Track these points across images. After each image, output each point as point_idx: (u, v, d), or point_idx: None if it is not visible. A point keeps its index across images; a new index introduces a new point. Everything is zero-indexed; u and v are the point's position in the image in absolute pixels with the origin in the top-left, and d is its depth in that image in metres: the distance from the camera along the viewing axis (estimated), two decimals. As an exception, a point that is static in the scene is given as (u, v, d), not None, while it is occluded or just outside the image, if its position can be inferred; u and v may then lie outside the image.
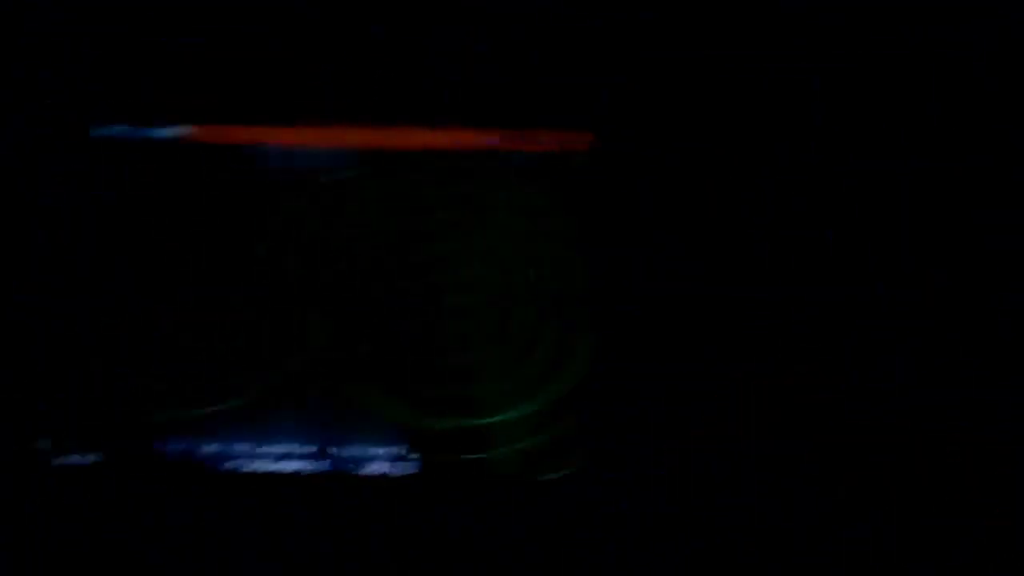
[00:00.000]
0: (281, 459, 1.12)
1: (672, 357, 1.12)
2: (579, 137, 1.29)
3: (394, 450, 1.12)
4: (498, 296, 1.21)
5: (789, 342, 1.11)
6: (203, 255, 1.23)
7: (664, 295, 1.16)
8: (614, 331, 1.15)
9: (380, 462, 1.12)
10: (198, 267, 1.23)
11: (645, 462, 1.07)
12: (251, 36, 1.33)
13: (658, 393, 1.10)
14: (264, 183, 1.28)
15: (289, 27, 1.33)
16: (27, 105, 1.30)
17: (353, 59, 1.33)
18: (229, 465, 1.11)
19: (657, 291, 1.16)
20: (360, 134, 1.31)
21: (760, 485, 1.04)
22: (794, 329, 1.12)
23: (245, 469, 1.11)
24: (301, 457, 1.12)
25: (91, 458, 1.12)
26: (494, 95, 1.31)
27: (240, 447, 1.12)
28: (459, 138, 1.30)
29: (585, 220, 1.23)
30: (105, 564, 1.05)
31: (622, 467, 1.07)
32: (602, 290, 1.18)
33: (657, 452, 1.07)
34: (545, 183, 1.27)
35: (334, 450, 1.12)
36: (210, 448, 1.12)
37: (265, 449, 1.12)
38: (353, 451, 1.12)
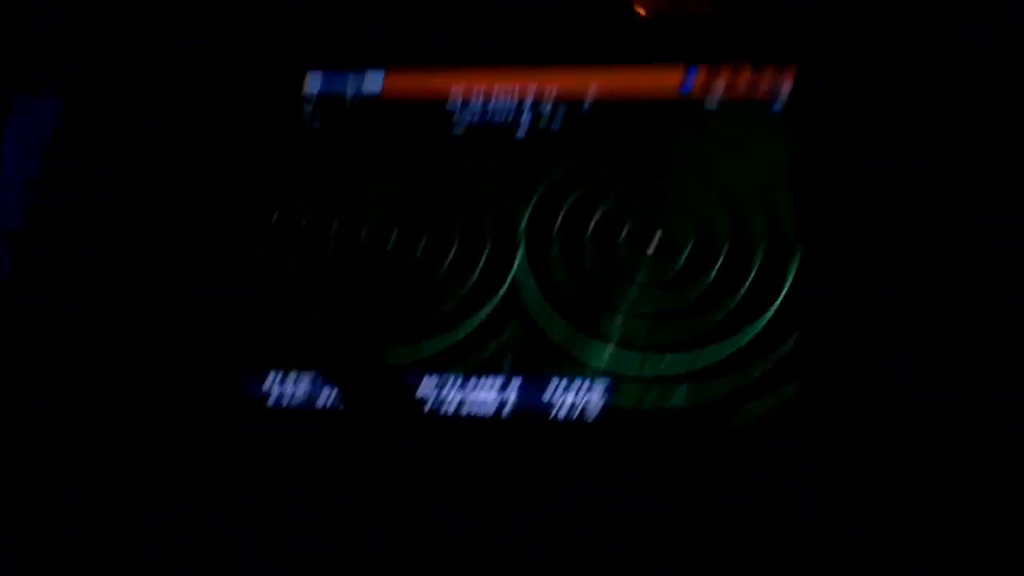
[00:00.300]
0: (485, 399, 1.16)
1: (882, 304, 1.10)
2: (782, 72, 1.27)
3: (596, 393, 1.14)
4: (701, 241, 1.22)
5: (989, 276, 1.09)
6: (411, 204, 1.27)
7: (876, 240, 1.14)
8: (822, 276, 1.14)
9: (581, 404, 1.14)
10: (408, 212, 1.27)
11: (855, 404, 1.05)
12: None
13: (866, 336, 1.09)
14: (457, 137, 1.31)
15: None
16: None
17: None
18: (440, 405, 1.15)
19: (867, 237, 1.14)
20: (554, 78, 1.32)
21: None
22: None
23: (454, 411, 1.15)
24: (501, 396, 1.15)
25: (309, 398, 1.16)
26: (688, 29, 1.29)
27: (450, 385, 1.16)
28: (653, 80, 1.30)
29: (789, 162, 1.22)
30: (322, 502, 1.08)
31: (828, 411, 1.06)
32: (810, 233, 1.17)
33: (864, 396, 1.05)
34: (746, 123, 1.26)
35: (536, 390, 1.15)
36: (428, 385, 1.16)
37: (472, 388, 1.16)
38: (555, 392, 1.14)
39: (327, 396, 1.16)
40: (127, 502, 1.08)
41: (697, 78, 1.30)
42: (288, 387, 1.17)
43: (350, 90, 1.36)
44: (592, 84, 1.32)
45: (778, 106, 1.27)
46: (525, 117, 1.31)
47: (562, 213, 1.25)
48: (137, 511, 1.07)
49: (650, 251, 1.22)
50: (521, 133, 1.30)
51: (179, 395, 1.16)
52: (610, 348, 1.16)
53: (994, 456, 1.03)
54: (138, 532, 1.06)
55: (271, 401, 1.16)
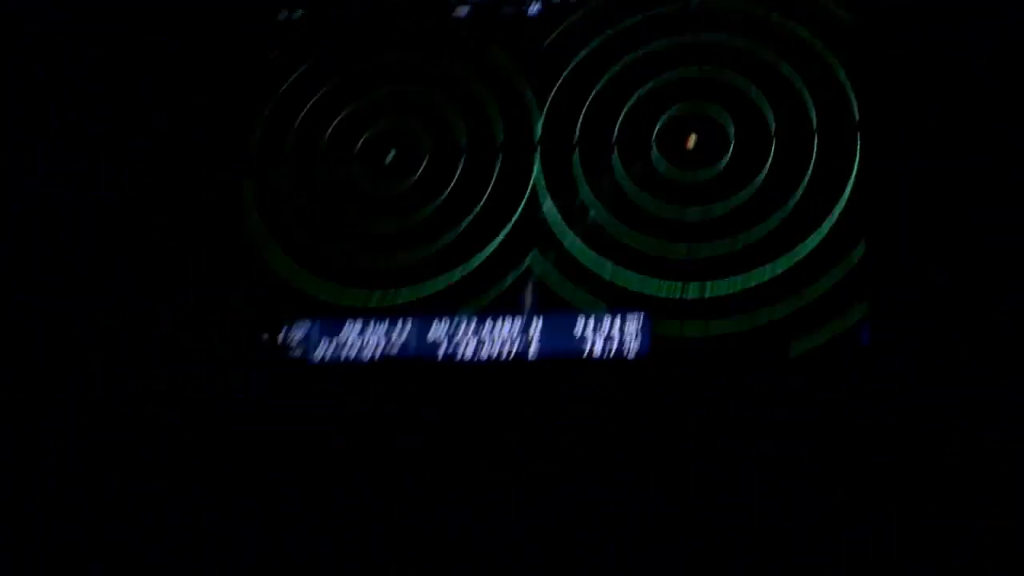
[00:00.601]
0: (506, 340, 1.02)
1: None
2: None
3: (631, 327, 1.00)
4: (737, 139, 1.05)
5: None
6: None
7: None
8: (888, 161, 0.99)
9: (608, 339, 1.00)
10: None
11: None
12: None
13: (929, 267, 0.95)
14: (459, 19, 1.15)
15: None
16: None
17: None
18: (452, 350, 1.02)
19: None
20: None
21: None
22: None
23: (468, 356, 1.02)
24: (524, 337, 1.02)
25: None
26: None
27: (463, 328, 1.03)
28: None
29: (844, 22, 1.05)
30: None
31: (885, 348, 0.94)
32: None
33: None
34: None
35: (553, 324, 1.01)
36: (439, 330, 1.03)
37: (488, 331, 1.03)
38: (585, 330, 1.01)
39: (325, 348, 1.04)
40: (127, 501, 1.02)
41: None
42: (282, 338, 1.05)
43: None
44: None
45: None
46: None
47: (584, 111, 1.08)
48: (137, 509, 1.01)
49: (688, 146, 1.04)
50: (535, 8, 1.12)
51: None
52: (647, 275, 1.01)
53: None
54: (138, 529, 1.00)
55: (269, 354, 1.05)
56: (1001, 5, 0.99)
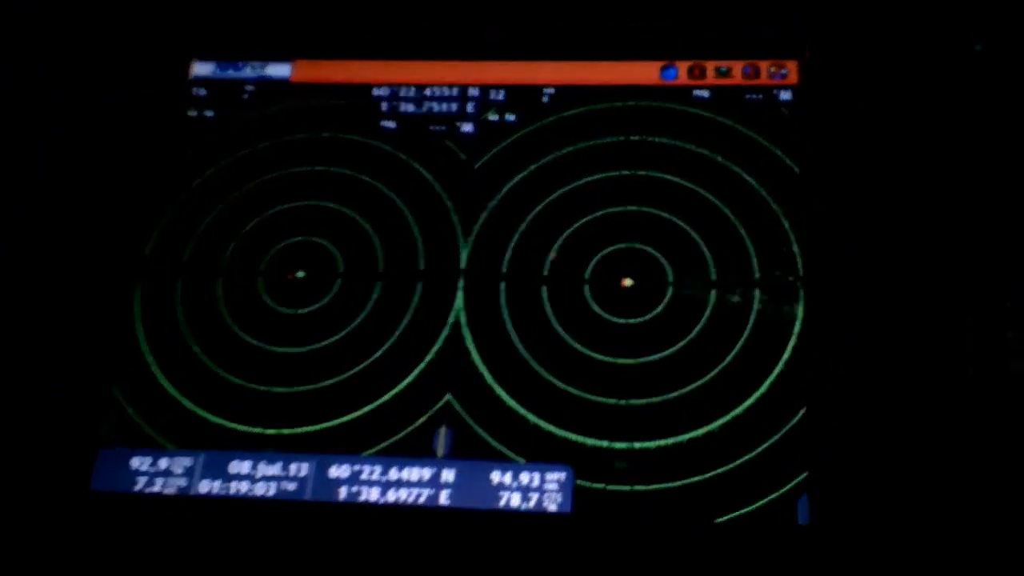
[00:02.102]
0: (404, 486, 0.91)
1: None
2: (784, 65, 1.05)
3: (552, 484, 0.90)
4: (686, 274, 0.98)
5: None
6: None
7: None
8: (834, 316, 0.93)
9: (527, 492, 0.90)
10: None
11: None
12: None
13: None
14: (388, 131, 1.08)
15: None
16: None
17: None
18: (356, 493, 0.92)
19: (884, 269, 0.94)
20: (514, 69, 1.09)
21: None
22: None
23: (372, 499, 0.91)
24: (434, 485, 0.91)
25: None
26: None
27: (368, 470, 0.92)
28: (625, 72, 1.07)
29: (793, 167, 1.01)
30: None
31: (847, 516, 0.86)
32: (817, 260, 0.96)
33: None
34: (743, 121, 1.03)
35: (468, 473, 0.92)
36: (340, 471, 0.93)
37: (393, 474, 0.92)
38: (486, 475, 0.91)
39: (207, 482, 0.93)
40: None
41: (680, 69, 1.05)
42: (159, 470, 0.94)
43: (251, 75, 1.10)
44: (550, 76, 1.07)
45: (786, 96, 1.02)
46: (471, 107, 1.06)
47: (514, 240, 1.01)
48: None
49: (625, 284, 0.98)
50: (468, 127, 1.05)
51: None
52: (569, 428, 0.93)
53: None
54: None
55: (139, 486, 0.93)
56: (952, 160, 0.95)
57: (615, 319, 0.96)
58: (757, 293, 0.95)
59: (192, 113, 1.09)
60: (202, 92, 1.10)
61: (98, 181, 1.06)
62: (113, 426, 0.96)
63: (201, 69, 1.11)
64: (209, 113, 1.09)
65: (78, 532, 0.92)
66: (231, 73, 1.11)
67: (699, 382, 0.92)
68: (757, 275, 0.96)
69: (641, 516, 0.88)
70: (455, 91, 1.07)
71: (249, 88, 1.10)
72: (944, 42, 1.03)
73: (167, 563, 0.90)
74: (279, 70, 1.11)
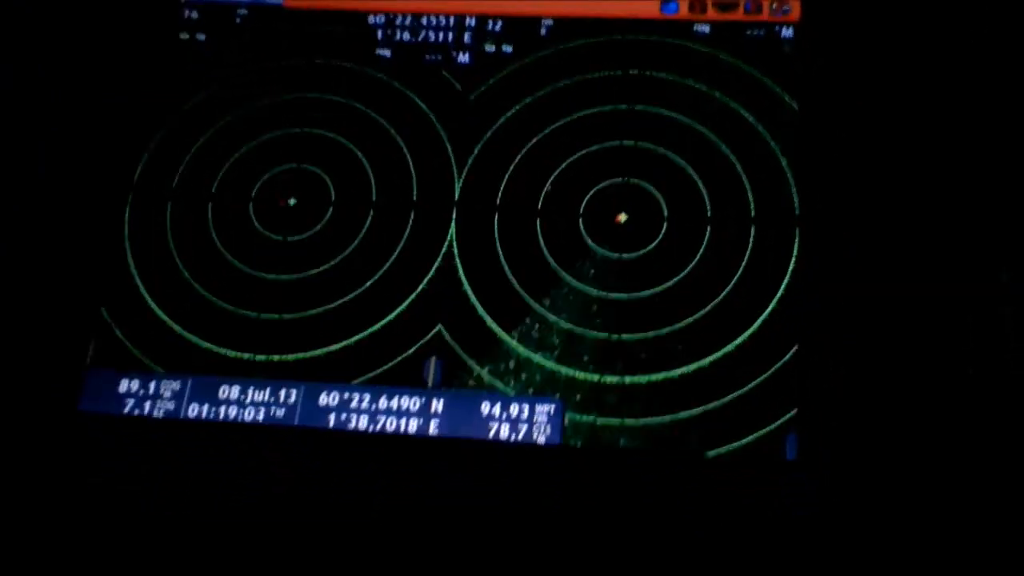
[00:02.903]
0: (393, 414, 0.92)
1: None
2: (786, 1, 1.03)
3: (540, 415, 0.91)
4: (676, 216, 0.97)
5: None
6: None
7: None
8: (825, 261, 0.93)
9: (516, 423, 0.90)
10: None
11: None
12: None
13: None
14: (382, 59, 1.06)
15: None
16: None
17: None
18: (345, 421, 0.92)
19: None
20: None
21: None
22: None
23: (361, 427, 0.91)
24: (423, 416, 0.91)
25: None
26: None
27: (357, 398, 0.92)
28: (625, 5, 1.05)
29: (793, 105, 0.99)
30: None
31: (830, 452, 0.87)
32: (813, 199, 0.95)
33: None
34: (743, 58, 1.02)
35: (457, 404, 0.92)
36: (330, 399, 0.93)
37: (382, 403, 0.92)
38: (476, 405, 0.91)
39: (195, 405, 0.93)
40: None
41: (680, 3, 1.04)
42: (148, 393, 0.94)
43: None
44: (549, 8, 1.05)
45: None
46: (468, 37, 1.04)
47: (508, 172, 1.00)
48: None
49: (620, 219, 0.97)
50: (464, 57, 1.03)
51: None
52: (560, 361, 0.92)
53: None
54: None
55: (127, 408, 0.93)
56: (954, 97, 0.94)
57: (609, 254, 0.95)
58: (752, 230, 0.95)
59: (184, 36, 1.07)
60: (194, 15, 1.08)
61: (88, 101, 1.04)
62: (101, 348, 0.96)
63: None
64: (201, 36, 1.07)
65: (65, 453, 0.91)
66: (222, -4, 1.09)
67: (691, 318, 0.92)
68: (753, 212, 0.95)
69: (631, 450, 0.88)
70: (451, 20, 1.05)
71: (242, 12, 1.08)
72: None
73: (154, 486, 0.90)
74: (272, -7, 1.08)
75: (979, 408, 0.87)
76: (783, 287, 0.92)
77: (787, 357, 0.90)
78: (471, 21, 1.05)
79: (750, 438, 0.87)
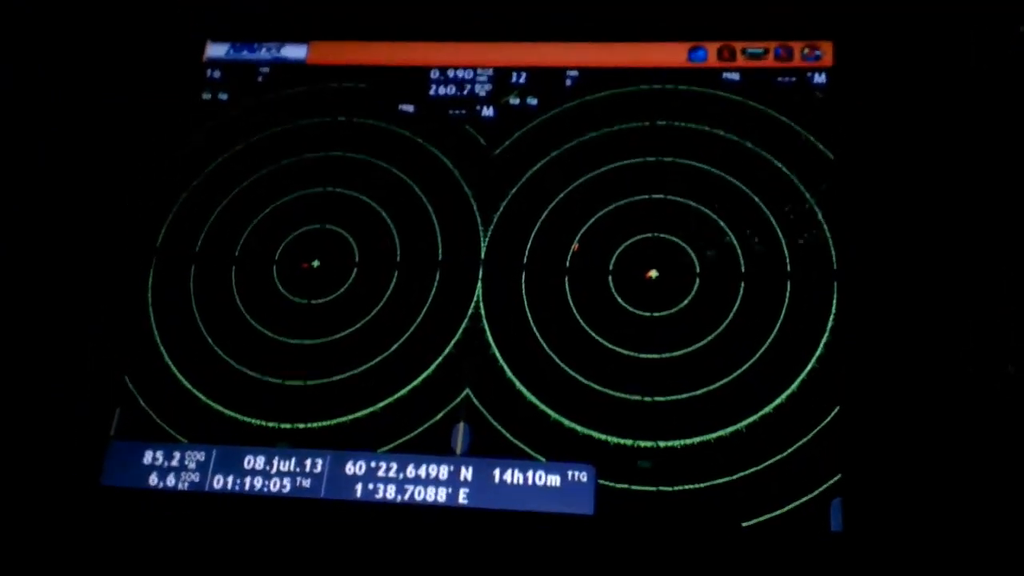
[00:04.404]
0: (421, 483, 0.89)
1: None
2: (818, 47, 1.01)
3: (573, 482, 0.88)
4: (709, 268, 0.94)
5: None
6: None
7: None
8: (865, 317, 0.89)
9: (548, 492, 0.88)
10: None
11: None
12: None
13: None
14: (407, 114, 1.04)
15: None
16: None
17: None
18: (372, 491, 0.89)
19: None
20: (536, 50, 1.05)
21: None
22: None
23: (389, 497, 0.89)
24: (451, 485, 0.89)
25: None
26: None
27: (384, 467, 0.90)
28: (651, 54, 1.03)
29: (828, 154, 0.96)
30: None
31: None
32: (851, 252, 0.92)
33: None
34: (775, 106, 0.99)
35: (487, 472, 0.89)
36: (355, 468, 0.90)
37: (410, 471, 0.90)
38: (505, 474, 0.89)
39: (220, 477, 0.91)
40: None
41: (709, 51, 1.01)
42: (172, 464, 0.92)
43: (266, 57, 1.07)
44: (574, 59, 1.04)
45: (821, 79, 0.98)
46: (491, 90, 1.02)
47: (535, 229, 0.97)
48: None
49: (650, 275, 0.94)
50: (488, 111, 1.02)
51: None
52: (591, 425, 0.90)
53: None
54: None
55: (152, 481, 0.91)
56: (994, 143, 0.91)
57: (640, 312, 0.93)
58: (789, 285, 0.91)
59: (206, 96, 1.06)
60: (216, 74, 1.07)
61: (112, 167, 1.03)
62: (125, 418, 0.94)
63: (215, 51, 1.08)
64: (223, 96, 1.06)
65: (88, 529, 0.90)
66: (246, 55, 1.08)
67: (727, 379, 0.89)
68: (789, 267, 0.92)
69: (666, 518, 0.85)
70: (475, 73, 1.04)
71: (264, 70, 1.07)
72: (986, 22, 0.98)
73: (179, 561, 0.88)
74: (295, 52, 1.08)
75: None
76: (822, 345, 0.89)
77: (829, 419, 0.86)
78: (495, 74, 1.03)
79: (791, 506, 0.84)
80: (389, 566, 0.87)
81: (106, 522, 0.90)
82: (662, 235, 0.95)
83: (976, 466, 0.84)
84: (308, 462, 0.90)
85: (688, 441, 0.88)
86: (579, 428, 0.89)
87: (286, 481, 0.90)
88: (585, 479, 0.87)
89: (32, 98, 1.07)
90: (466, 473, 0.89)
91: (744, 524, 0.84)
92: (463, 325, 0.94)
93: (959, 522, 0.82)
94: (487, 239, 0.97)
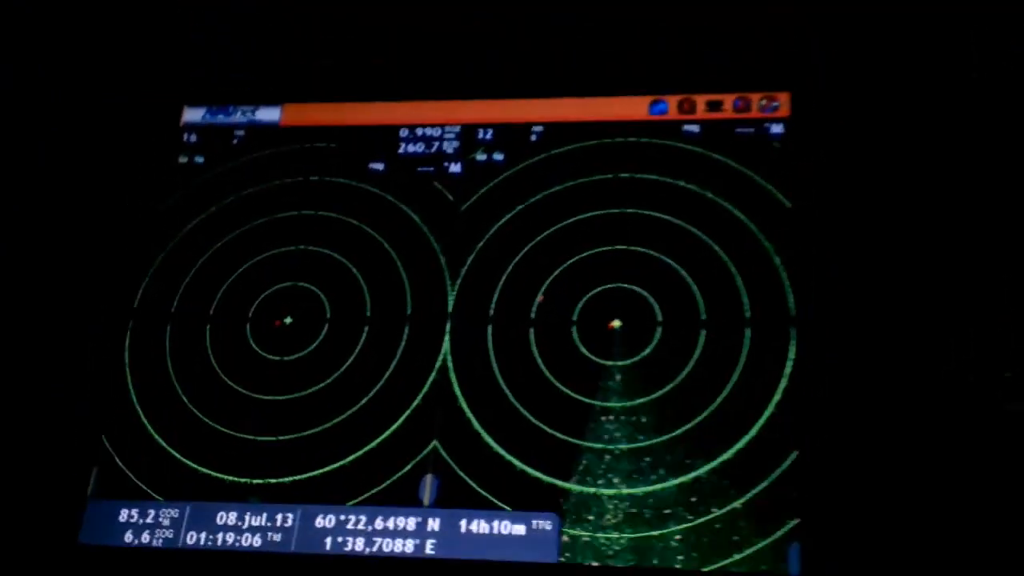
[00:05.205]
0: (389, 535, 0.91)
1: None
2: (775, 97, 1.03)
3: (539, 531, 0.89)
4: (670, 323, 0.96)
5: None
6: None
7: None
8: (823, 363, 0.91)
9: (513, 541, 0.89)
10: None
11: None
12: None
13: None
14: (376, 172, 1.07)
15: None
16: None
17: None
18: (342, 544, 0.91)
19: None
20: (501, 107, 1.08)
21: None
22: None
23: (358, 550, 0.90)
24: (419, 535, 0.91)
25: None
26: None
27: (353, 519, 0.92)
28: (614, 108, 1.06)
29: (785, 202, 0.99)
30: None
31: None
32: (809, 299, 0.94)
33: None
34: (734, 156, 1.01)
35: (453, 522, 0.91)
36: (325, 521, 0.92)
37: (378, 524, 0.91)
38: (472, 524, 0.90)
39: (193, 533, 0.93)
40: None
41: (670, 104, 1.04)
42: (147, 522, 0.94)
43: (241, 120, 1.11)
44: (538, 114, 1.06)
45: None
46: (458, 146, 1.05)
47: (500, 284, 1.00)
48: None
49: (613, 325, 0.96)
50: (455, 167, 1.04)
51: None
52: (556, 474, 0.91)
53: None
54: None
55: (128, 539, 0.93)
56: (950, 190, 0.93)
57: (603, 362, 0.94)
58: (748, 333, 0.93)
59: (182, 159, 1.10)
60: (193, 138, 1.10)
61: (87, 230, 1.06)
62: (103, 478, 0.96)
63: (192, 115, 1.12)
64: (199, 159, 1.09)
65: (66, 587, 0.92)
66: (221, 118, 1.11)
67: (687, 426, 0.90)
68: (748, 314, 0.94)
69: (628, 565, 0.86)
70: (443, 131, 1.07)
71: (239, 133, 1.10)
72: (938, 71, 1.00)
73: (153, 617, 0.90)
74: (269, 114, 1.11)
75: (995, 511, 0.84)
76: (780, 391, 0.90)
77: (786, 464, 0.87)
78: (462, 131, 1.06)
79: (749, 551, 0.85)
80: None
81: (83, 581, 0.92)
82: (625, 285, 0.97)
83: (931, 510, 0.84)
84: (279, 517, 0.92)
85: (650, 488, 0.89)
86: (544, 477, 0.90)
87: (257, 537, 0.92)
88: (549, 527, 0.88)
89: (15, 165, 1.10)
90: (433, 524, 0.90)
91: (704, 569, 0.85)
92: (431, 378, 0.96)
93: (917, 567, 0.83)
94: (455, 292, 0.99)
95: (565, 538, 0.88)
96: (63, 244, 1.06)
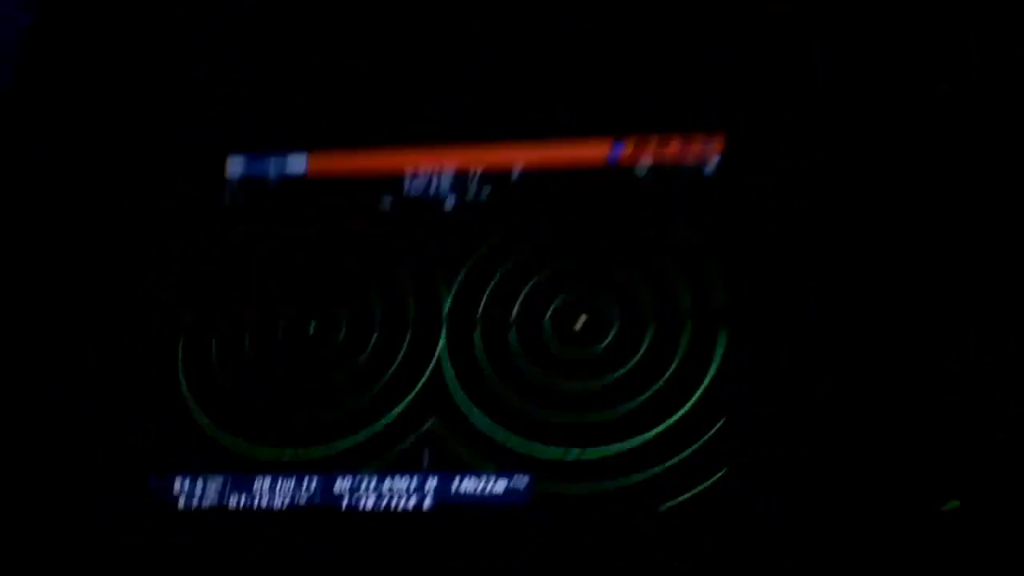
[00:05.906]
0: (391, 494, 1.11)
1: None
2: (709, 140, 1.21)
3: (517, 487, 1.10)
4: (627, 322, 1.16)
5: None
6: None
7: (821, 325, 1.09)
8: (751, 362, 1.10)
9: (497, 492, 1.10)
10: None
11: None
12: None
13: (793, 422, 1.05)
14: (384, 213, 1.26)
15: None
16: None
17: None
18: (350, 500, 1.12)
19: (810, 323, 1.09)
20: (465, 153, 1.27)
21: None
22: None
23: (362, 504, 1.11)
24: (419, 493, 1.11)
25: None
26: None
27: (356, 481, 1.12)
28: (575, 152, 1.25)
29: (718, 239, 1.17)
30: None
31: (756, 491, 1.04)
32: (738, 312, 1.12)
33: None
34: (672, 196, 1.20)
35: (447, 481, 1.11)
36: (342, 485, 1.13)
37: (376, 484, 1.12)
38: (463, 483, 1.11)
39: (239, 497, 1.13)
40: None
41: (625, 148, 1.26)
42: (197, 489, 1.14)
43: (273, 172, 1.33)
44: (519, 157, 1.28)
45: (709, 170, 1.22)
46: (452, 191, 1.27)
47: (486, 294, 1.21)
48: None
49: (577, 327, 1.17)
50: (448, 207, 1.26)
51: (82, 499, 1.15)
52: (533, 441, 1.12)
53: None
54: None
55: (182, 503, 1.13)
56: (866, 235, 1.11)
57: (570, 352, 1.16)
58: (688, 325, 1.15)
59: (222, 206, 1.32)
60: (233, 188, 1.33)
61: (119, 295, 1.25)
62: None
63: (235, 165, 1.33)
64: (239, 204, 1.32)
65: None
66: (257, 167, 1.33)
67: (639, 399, 1.11)
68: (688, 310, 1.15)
69: (594, 505, 1.07)
70: (439, 175, 1.28)
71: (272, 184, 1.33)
72: (870, 111, 1.15)
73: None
74: (297, 163, 1.33)
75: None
76: (711, 372, 1.11)
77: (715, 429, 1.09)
78: (456, 173, 1.28)
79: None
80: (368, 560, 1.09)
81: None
82: (589, 293, 1.19)
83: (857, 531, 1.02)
84: (305, 481, 1.13)
85: (608, 450, 1.10)
86: (521, 443, 1.11)
87: (287, 497, 1.12)
88: (526, 482, 1.09)
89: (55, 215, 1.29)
90: (431, 484, 1.11)
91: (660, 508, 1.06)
92: (429, 368, 1.17)
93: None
94: (449, 302, 1.21)
95: (538, 490, 1.09)
96: (99, 307, 1.24)
